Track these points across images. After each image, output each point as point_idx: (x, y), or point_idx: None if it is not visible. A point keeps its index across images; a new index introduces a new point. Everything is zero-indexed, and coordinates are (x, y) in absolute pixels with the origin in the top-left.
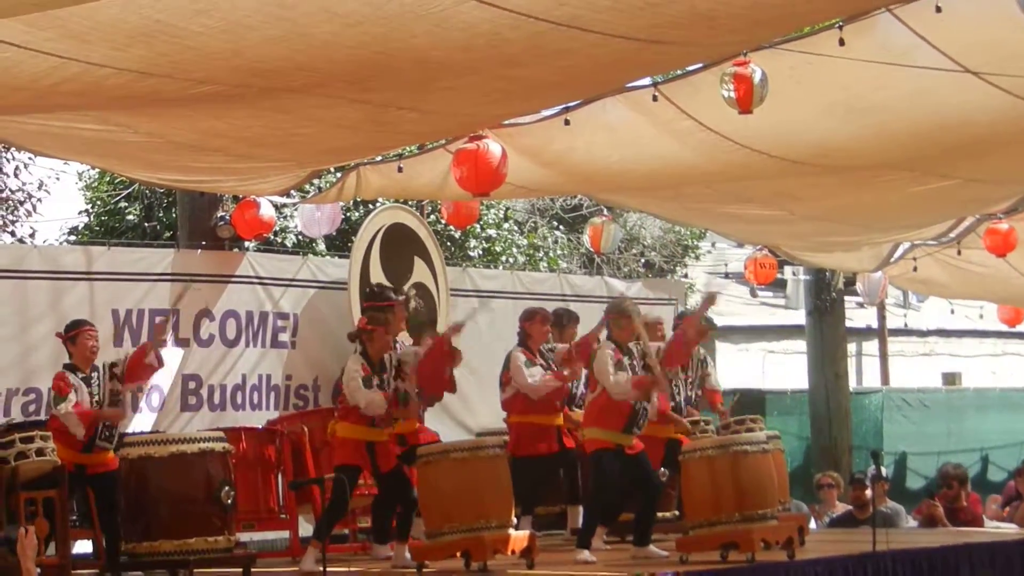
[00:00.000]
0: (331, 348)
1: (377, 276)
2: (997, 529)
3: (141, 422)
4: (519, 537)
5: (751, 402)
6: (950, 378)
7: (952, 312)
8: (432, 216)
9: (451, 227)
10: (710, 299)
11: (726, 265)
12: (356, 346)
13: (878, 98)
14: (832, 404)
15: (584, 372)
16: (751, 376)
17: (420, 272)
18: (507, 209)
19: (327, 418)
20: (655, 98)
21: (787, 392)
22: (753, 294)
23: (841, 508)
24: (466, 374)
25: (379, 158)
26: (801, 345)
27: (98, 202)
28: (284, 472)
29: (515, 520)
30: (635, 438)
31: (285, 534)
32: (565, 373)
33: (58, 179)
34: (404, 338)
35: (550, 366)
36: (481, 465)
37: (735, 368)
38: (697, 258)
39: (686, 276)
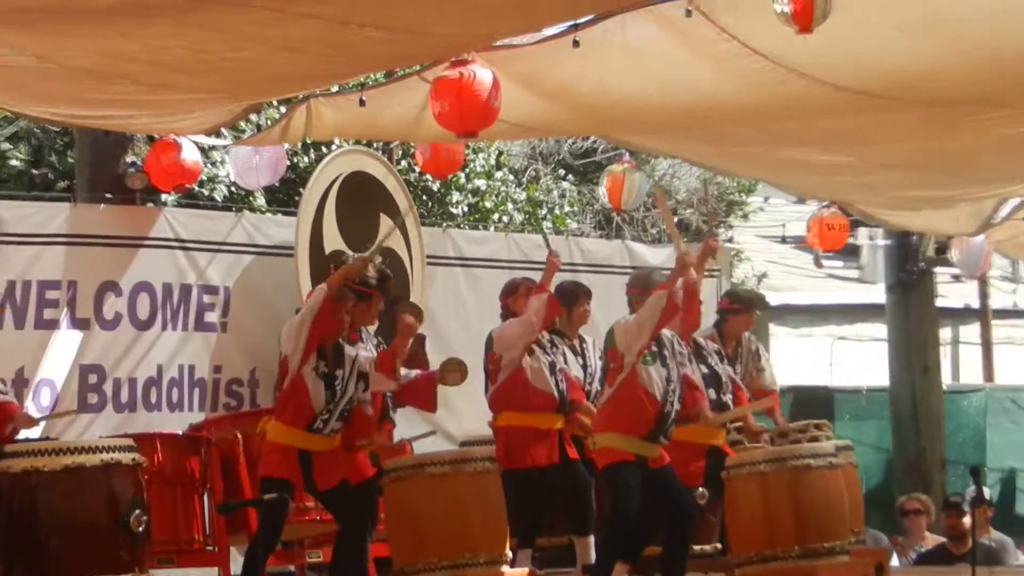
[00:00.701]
0: (272, 331)
1: (333, 240)
2: None
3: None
4: None
5: (816, 402)
6: None
7: None
8: (404, 163)
9: (428, 177)
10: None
11: (783, 227)
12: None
13: (971, 11)
14: (920, 406)
15: (598, 362)
16: (815, 370)
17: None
18: (500, 154)
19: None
20: (689, 13)
21: (862, 391)
22: (818, 264)
23: (932, 540)
24: None
25: (335, 88)
26: (880, 330)
27: None
28: (212, 491)
29: (510, 554)
30: (660, 447)
31: (213, 572)
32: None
33: None
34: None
35: (548, 353)
36: (466, 483)
37: (795, 359)
38: (745, 217)
39: (731, 240)
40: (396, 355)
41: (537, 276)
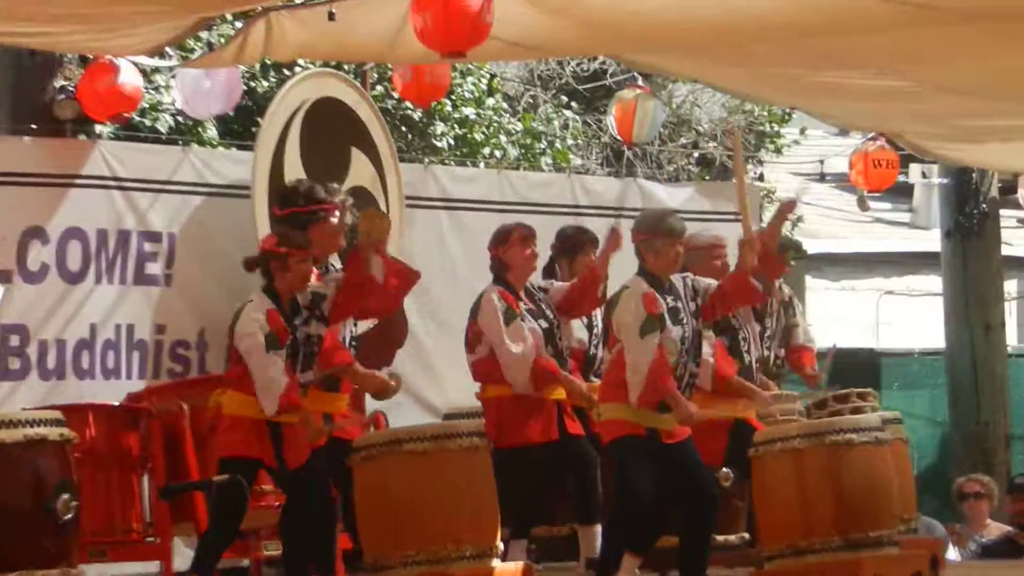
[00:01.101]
0: (225, 285)
1: (296, 176)
2: None
3: None
4: (507, 571)
5: (859, 367)
6: None
7: None
8: (380, 88)
9: (408, 105)
10: (788, 206)
11: (821, 163)
12: (261, 281)
13: None
14: (981, 372)
15: (598, 320)
16: (860, 328)
17: (360, 171)
18: (492, 78)
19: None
20: None
21: (913, 353)
22: (863, 205)
23: (995, 529)
24: (429, 327)
25: (299, 0)
26: (935, 283)
27: None
28: (153, 472)
29: (501, 546)
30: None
31: (154, 566)
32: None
33: None
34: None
35: (546, 316)
36: (451, 462)
37: (836, 316)
38: (779, 152)
39: (761, 179)
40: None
41: (536, 221)
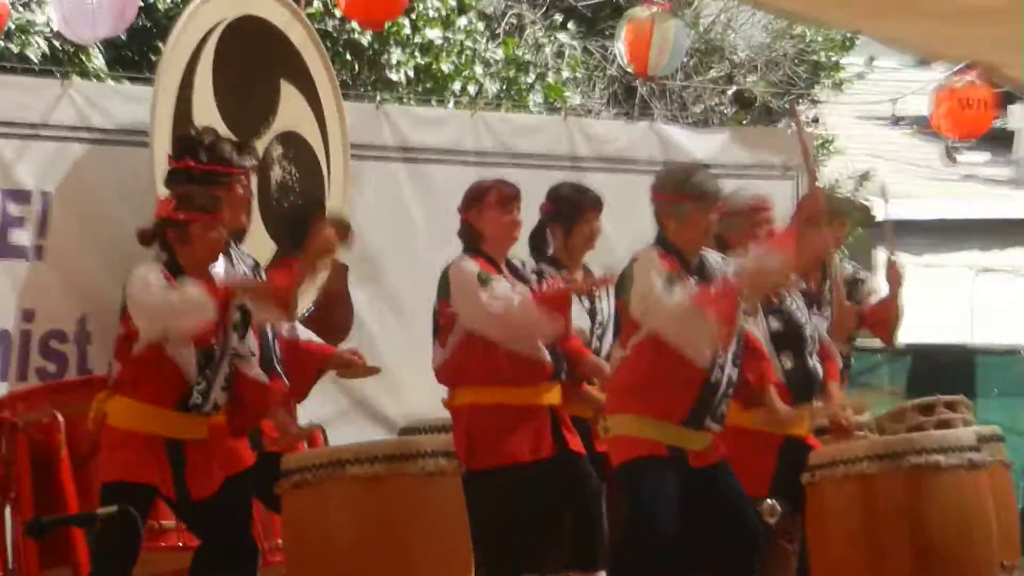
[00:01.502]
0: (114, 260)
1: (208, 119)
2: None
3: None
4: None
5: (947, 370)
6: None
7: None
8: (318, 3)
9: (355, 26)
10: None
11: (893, 103)
12: (156, 254)
13: None
14: None
15: (604, 303)
16: (947, 319)
17: (292, 112)
18: None
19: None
20: None
21: (1018, 351)
22: (949, 158)
23: None
24: (381, 313)
25: None
26: None
27: None
28: (18, 502)
29: None
30: (712, 435)
31: None
32: (569, 285)
33: None
34: (257, 243)
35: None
36: (409, 490)
37: (915, 303)
38: (838, 88)
39: (816, 122)
40: (298, 278)
41: (521, 177)
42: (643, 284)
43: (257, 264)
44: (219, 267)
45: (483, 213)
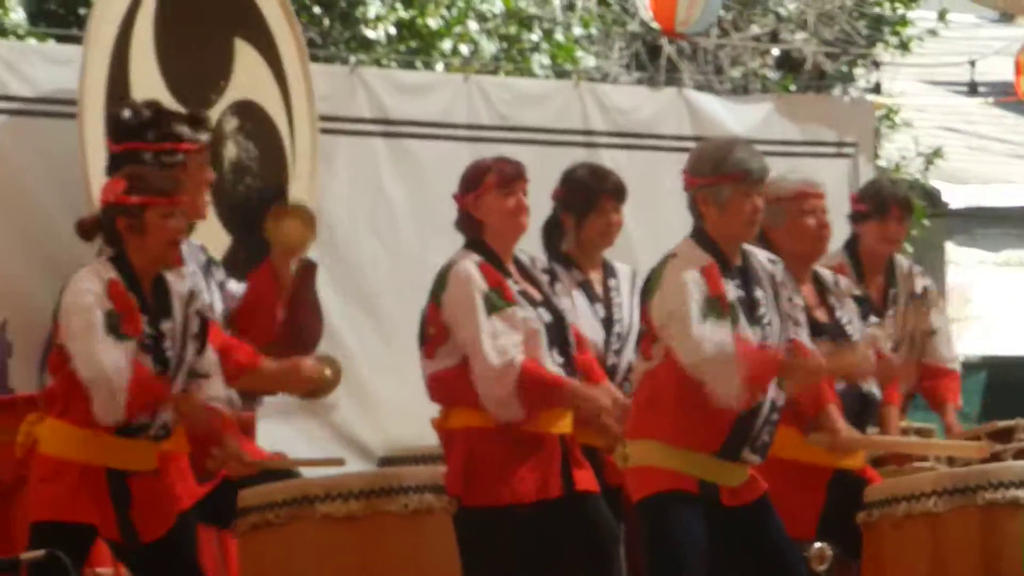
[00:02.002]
0: (39, 254)
1: (149, 88)
2: None
3: None
4: None
5: None
6: None
7: None
8: None
9: None
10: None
11: (972, 66)
12: (99, 248)
13: None
14: None
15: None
16: None
17: (249, 77)
18: None
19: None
20: None
21: None
22: None
23: None
24: (358, 321)
25: None
26: None
27: None
28: None
29: None
30: (750, 468)
31: None
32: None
33: None
34: (207, 233)
35: (550, 301)
36: (391, 532)
37: (996, 305)
38: (904, 46)
39: (877, 90)
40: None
41: (527, 155)
42: (675, 299)
43: (211, 260)
44: (189, 272)
45: (482, 198)
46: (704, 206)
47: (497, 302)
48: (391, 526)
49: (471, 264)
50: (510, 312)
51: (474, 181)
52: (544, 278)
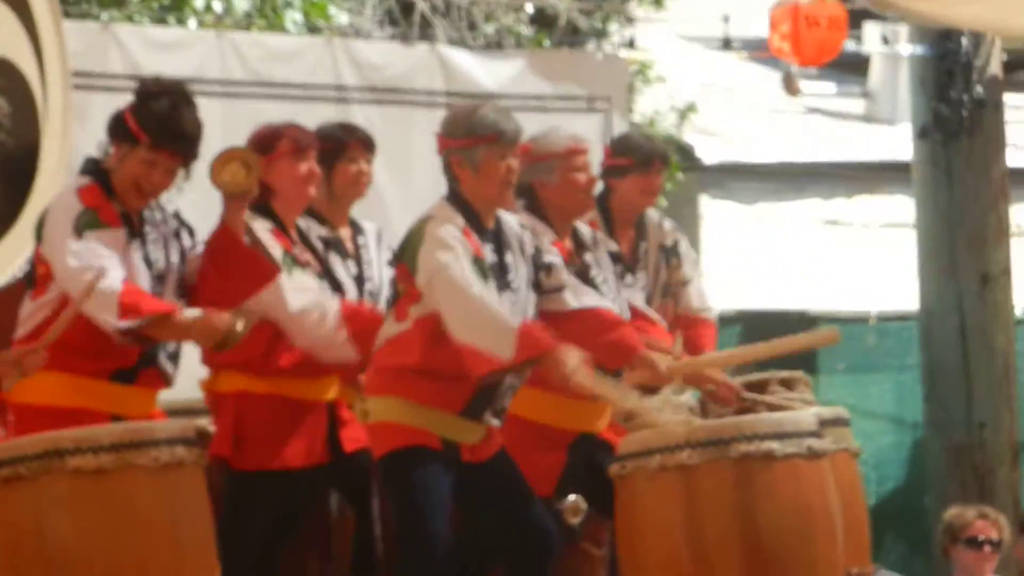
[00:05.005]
0: None
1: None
2: None
3: None
4: None
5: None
6: None
7: None
8: None
9: None
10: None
11: (726, 21)
12: None
13: None
14: (975, 346)
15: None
16: (784, 280)
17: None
18: None
19: None
20: None
21: (867, 318)
22: (791, 88)
23: None
24: None
25: None
26: (901, 208)
27: None
28: None
29: None
30: (488, 428)
31: None
32: None
33: None
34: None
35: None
36: (139, 488)
37: (748, 258)
38: (658, 3)
39: (631, 45)
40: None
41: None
42: (431, 254)
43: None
44: None
45: (274, 164)
46: (459, 168)
47: (292, 263)
48: (141, 479)
49: (263, 231)
50: (301, 274)
51: (266, 147)
52: (320, 246)
